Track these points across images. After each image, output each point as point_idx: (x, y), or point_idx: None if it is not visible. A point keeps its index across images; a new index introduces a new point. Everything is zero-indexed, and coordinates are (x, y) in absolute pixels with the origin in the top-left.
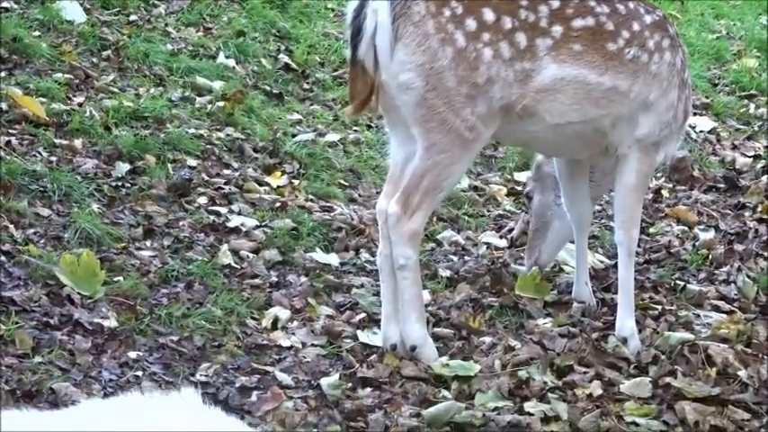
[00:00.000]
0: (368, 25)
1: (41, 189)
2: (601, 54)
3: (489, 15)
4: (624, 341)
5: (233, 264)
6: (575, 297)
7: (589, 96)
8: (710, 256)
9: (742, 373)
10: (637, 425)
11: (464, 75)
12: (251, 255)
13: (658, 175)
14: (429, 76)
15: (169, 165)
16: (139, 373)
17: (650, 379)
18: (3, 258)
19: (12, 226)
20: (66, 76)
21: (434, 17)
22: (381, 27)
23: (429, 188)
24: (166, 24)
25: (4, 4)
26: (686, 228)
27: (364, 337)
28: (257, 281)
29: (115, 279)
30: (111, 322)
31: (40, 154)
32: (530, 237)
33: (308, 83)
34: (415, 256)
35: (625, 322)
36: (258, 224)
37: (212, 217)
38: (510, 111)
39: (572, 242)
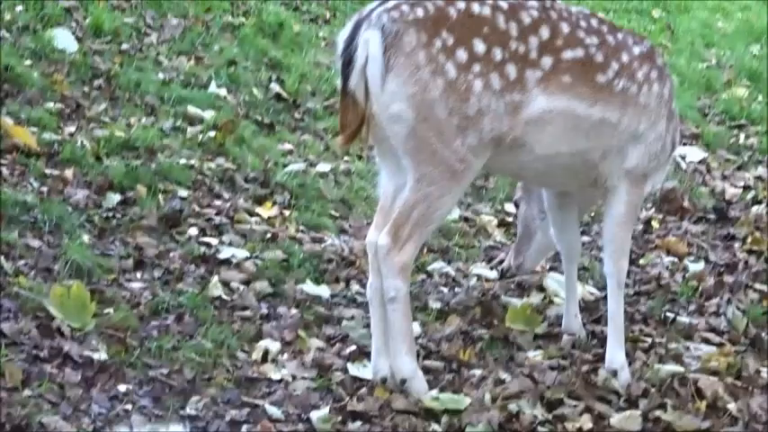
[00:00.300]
0: (359, 56)
1: (32, 220)
2: (590, 86)
3: (480, 47)
4: (614, 374)
5: (223, 295)
6: (565, 329)
7: (579, 128)
8: (700, 288)
9: (732, 407)
10: None
11: (455, 106)
12: (241, 286)
13: (648, 205)
14: (420, 107)
15: (160, 195)
16: (129, 407)
17: (640, 412)
18: None
19: (2, 257)
20: (57, 105)
21: (425, 48)
22: (372, 58)
23: (419, 220)
24: (158, 53)
25: None
26: (676, 259)
27: (354, 369)
28: (247, 313)
29: (105, 311)
30: (101, 355)
31: (31, 184)
32: (516, 241)
33: (299, 112)
34: (405, 289)
35: (615, 355)
36: (249, 255)
37: (203, 248)
38: (500, 142)
39: (562, 273)
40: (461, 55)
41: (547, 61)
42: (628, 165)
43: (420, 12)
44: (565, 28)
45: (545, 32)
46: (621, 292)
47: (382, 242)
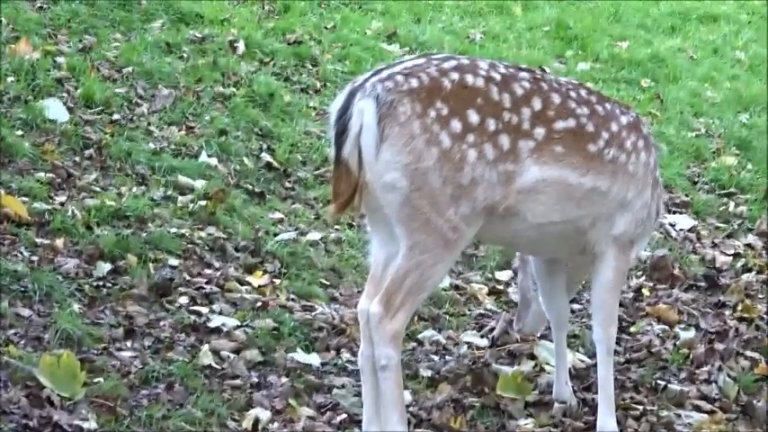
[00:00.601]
0: (353, 124)
1: (22, 289)
2: (582, 155)
3: (474, 117)
4: None
5: (214, 364)
6: (555, 397)
7: (570, 197)
8: (691, 356)
9: None
10: None
11: (449, 175)
12: (232, 355)
13: (638, 273)
14: (414, 176)
15: (150, 264)
16: None
17: None
18: None
19: None
20: (48, 175)
21: (420, 118)
22: (367, 127)
23: (412, 288)
24: (149, 123)
25: None
26: (667, 327)
27: None
28: (238, 381)
29: (95, 380)
30: (90, 424)
31: (22, 253)
32: (518, 307)
33: (289, 181)
34: (396, 357)
35: (606, 421)
36: (239, 324)
37: (193, 317)
38: (493, 211)
39: (552, 341)
40: (456, 125)
41: (540, 132)
42: (615, 231)
43: (414, 82)
44: (556, 99)
45: (537, 103)
46: (611, 358)
47: (374, 310)
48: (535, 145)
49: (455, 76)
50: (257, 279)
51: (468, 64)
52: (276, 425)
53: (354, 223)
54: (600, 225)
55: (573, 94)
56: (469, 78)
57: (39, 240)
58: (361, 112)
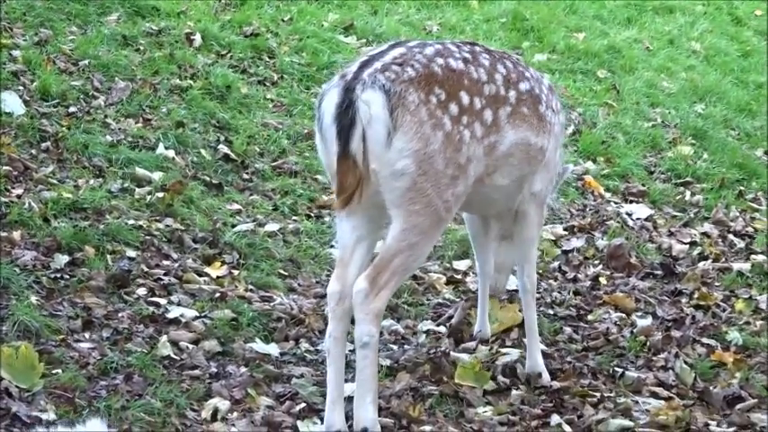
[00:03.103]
0: (362, 117)
1: None
2: (537, 116)
3: (465, 98)
4: (539, 376)
5: (172, 355)
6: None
7: (528, 156)
8: (648, 343)
9: None
10: None
11: (451, 157)
12: (190, 346)
13: (596, 262)
14: (422, 161)
15: (108, 256)
16: None
17: None
18: None
19: None
20: (4, 168)
21: (425, 104)
22: (376, 118)
23: (399, 268)
24: (106, 116)
25: None
26: (624, 314)
27: (304, 427)
28: (197, 372)
29: (54, 371)
30: (49, 415)
31: None
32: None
33: (247, 173)
34: (377, 335)
35: (537, 359)
36: (198, 315)
37: (152, 308)
38: (476, 183)
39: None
40: (453, 108)
41: (512, 95)
42: (534, 189)
43: (411, 71)
44: (509, 64)
45: (502, 69)
46: (534, 301)
47: (360, 287)
48: (511, 110)
49: (441, 61)
50: (215, 270)
51: (444, 49)
52: (235, 414)
53: (312, 214)
54: (527, 182)
55: (510, 59)
56: (452, 62)
57: None
58: (368, 105)
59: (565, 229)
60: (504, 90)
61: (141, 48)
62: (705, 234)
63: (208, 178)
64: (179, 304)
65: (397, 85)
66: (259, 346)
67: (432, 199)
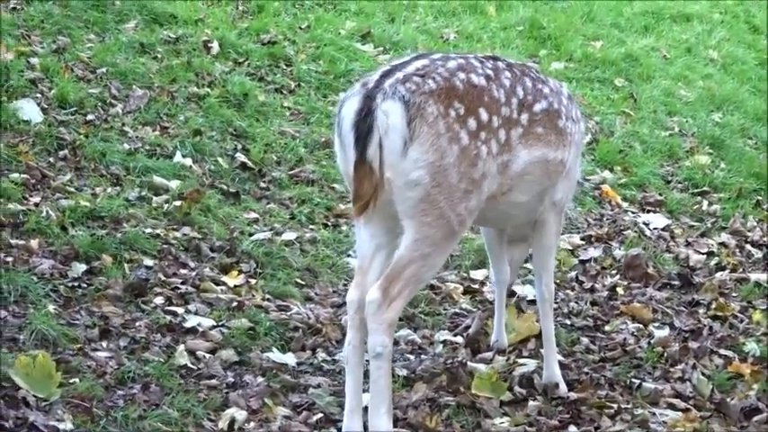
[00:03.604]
0: (380, 126)
1: None
2: (555, 132)
3: (484, 115)
4: (556, 386)
5: (189, 364)
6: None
7: (548, 171)
8: (665, 354)
9: None
10: None
11: (465, 171)
12: (207, 355)
13: (613, 272)
14: (437, 173)
15: (126, 265)
16: None
17: None
18: None
19: None
20: (22, 176)
21: (444, 117)
22: (393, 127)
23: (411, 278)
24: (123, 124)
25: None
26: (641, 325)
27: None
28: (214, 381)
29: (71, 381)
30: (66, 425)
31: None
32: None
33: (264, 181)
34: (390, 345)
35: (554, 370)
36: (215, 324)
37: (169, 317)
38: (491, 200)
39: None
40: (472, 123)
41: (524, 117)
42: (555, 197)
43: (432, 84)
44: (528, 83)
45: (520, 91)
46: (552, 311)
47: (372, 297)
48: (522, 131)
49: (462, 76)
50: (232, 279)
51: (467, 63)
52: (252, 424)
53: (329, 223)
54: (548, 195)
55: (531, 74)
56: (474, 78)
57: (13, 241)
58: (386, 114)
59: (582, 239)
60: (516, 113)
61: (159, 55)
62: (722, 244)
63: (225, 187)
64: (196, 313)
65: (416, 96)
66: (276, 355)
67: (444, 211)
